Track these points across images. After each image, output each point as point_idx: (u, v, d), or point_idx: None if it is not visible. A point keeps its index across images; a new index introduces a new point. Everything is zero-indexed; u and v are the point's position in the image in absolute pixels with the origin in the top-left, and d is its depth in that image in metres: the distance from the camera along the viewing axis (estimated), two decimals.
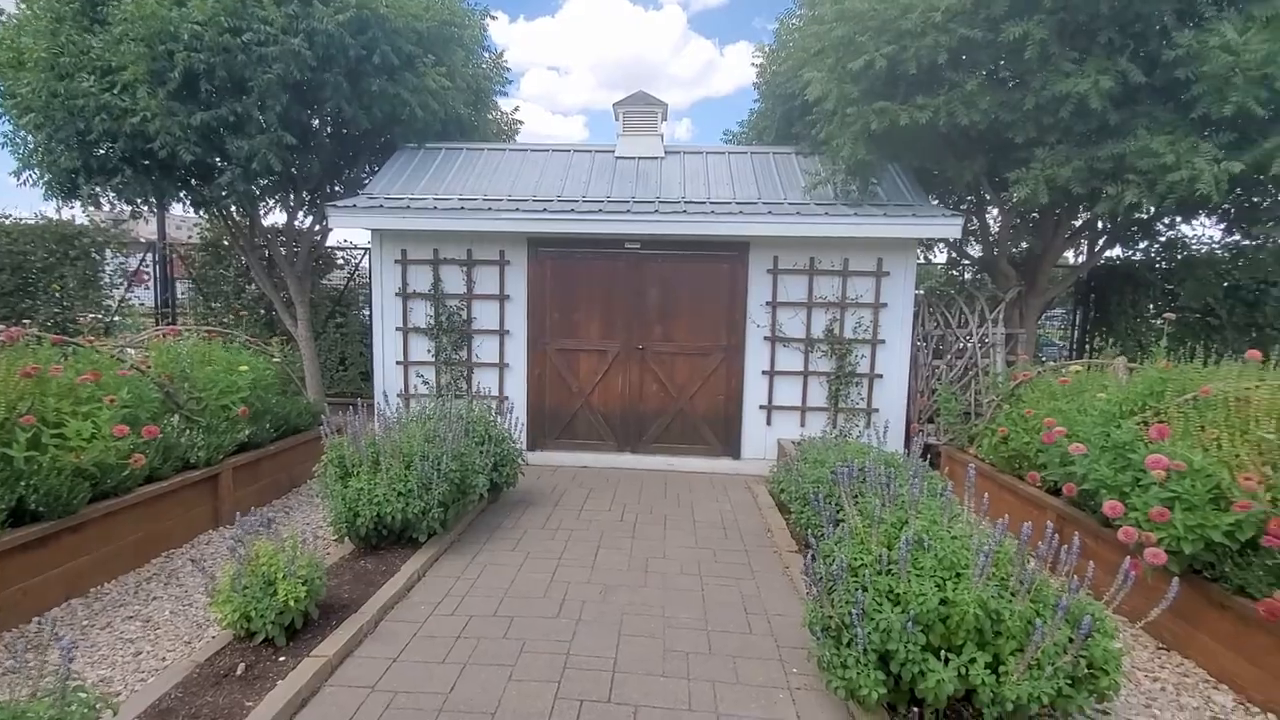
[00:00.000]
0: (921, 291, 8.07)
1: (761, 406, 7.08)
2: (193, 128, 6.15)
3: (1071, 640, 2.43)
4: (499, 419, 5.70)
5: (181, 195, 7.53)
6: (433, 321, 7.10)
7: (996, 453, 5.40)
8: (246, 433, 5.28)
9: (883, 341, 6.90)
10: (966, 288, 8.10)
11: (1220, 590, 3.16)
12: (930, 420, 7.26)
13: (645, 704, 2.83)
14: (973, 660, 2.45)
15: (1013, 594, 2.57)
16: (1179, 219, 7.46)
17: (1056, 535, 2.79)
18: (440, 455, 4.43)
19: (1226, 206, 6.49)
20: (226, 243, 9.36)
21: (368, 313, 8.98)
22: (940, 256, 9.88)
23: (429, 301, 7.09)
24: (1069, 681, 2.45)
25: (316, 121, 7.42)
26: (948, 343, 7.58)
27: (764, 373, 7.02)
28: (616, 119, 8.17)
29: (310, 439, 6.19)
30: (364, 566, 4.16)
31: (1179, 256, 8.15)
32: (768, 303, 6.92)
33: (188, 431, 4.75)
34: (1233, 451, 3.39)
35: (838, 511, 3.40)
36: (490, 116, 9.88)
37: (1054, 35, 5.08)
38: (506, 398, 7.17)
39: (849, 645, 2.61)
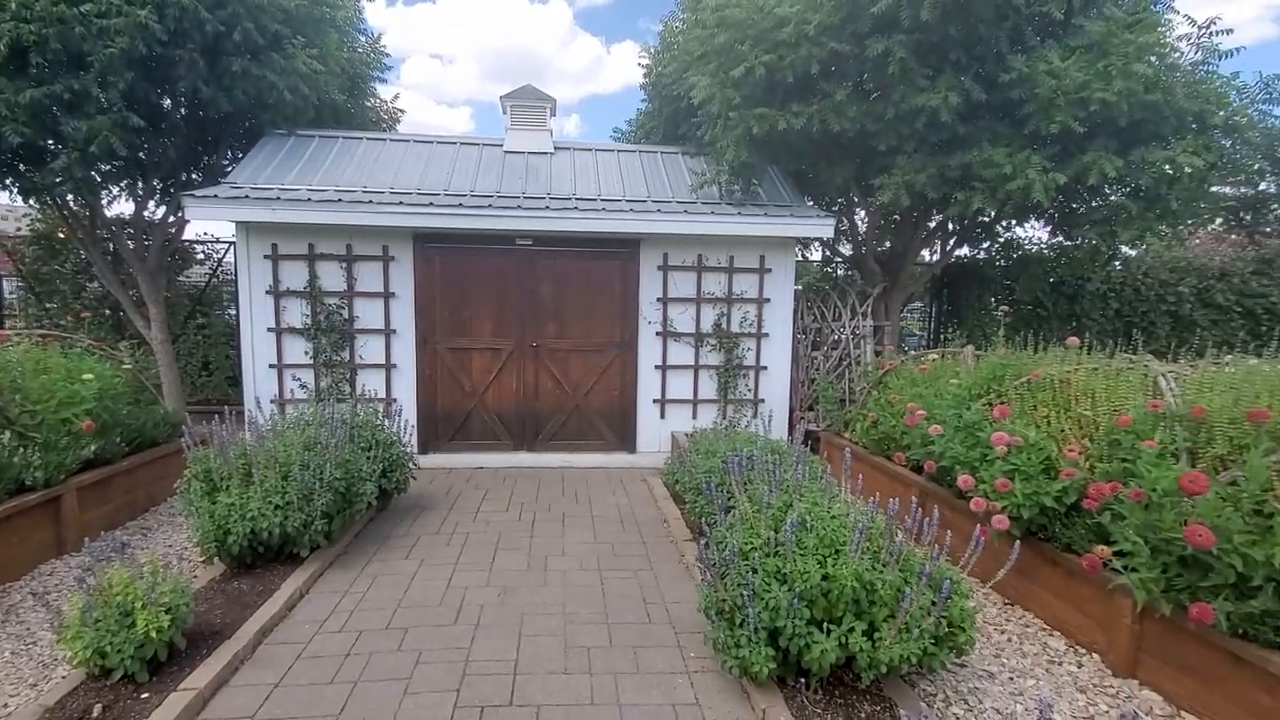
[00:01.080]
0: (800, 287, 8.56)
1: (655, 400, 7.24)
2: (21, 106, 5.39)
3: (934, 604, 2.71)
4: (387, 422, 5.47)
5: (8, 182, 6.58)
6: (310, 321, 6.67)
7: (868, 436, 5.86)
8: (93, 448, 4.73)
9: (767, 335, 7.26)
10: (840, 284, 8.69)
11: (1052, 549, 3.63)
12: (811, 408, 7.75)
13: (548, 703, 2.85)
14: (851, 629, 2.67)
15: (884, 565, 2.83)
16: (1015, 222, 8.40)
17: (920, 509, 3.09)
18: (323, 463, 4.19)
19: (1052, 211, 7.40)
20: (63, 235, 8.28)
21: (234, 312, 8.29)
22: (816, 254, 10.53)
23: (305, 300, 6.65)
24: (933, 640, 2.74)
25: (169, 102, 6.73)
26: (824, 335, 8.11)
27: (657, 367, 7.19)
28: (504, 112, 8.03)
29: (170, 452, 5.64)
30: (238, 588, 3.86)
31: (1015, 256, 9.19)
32: (659, 299, 7.09)
33: (21, 450, 4.18)
34: (1059, 427, 3.90)
35: (729, 500, 3.57)
36: (369, 104, 9.40)
37: (911, 53, 5.55)
38: (395, 400, 6.88)
39: (741, 625, 2.77)
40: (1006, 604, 3.99)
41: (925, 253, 9.10)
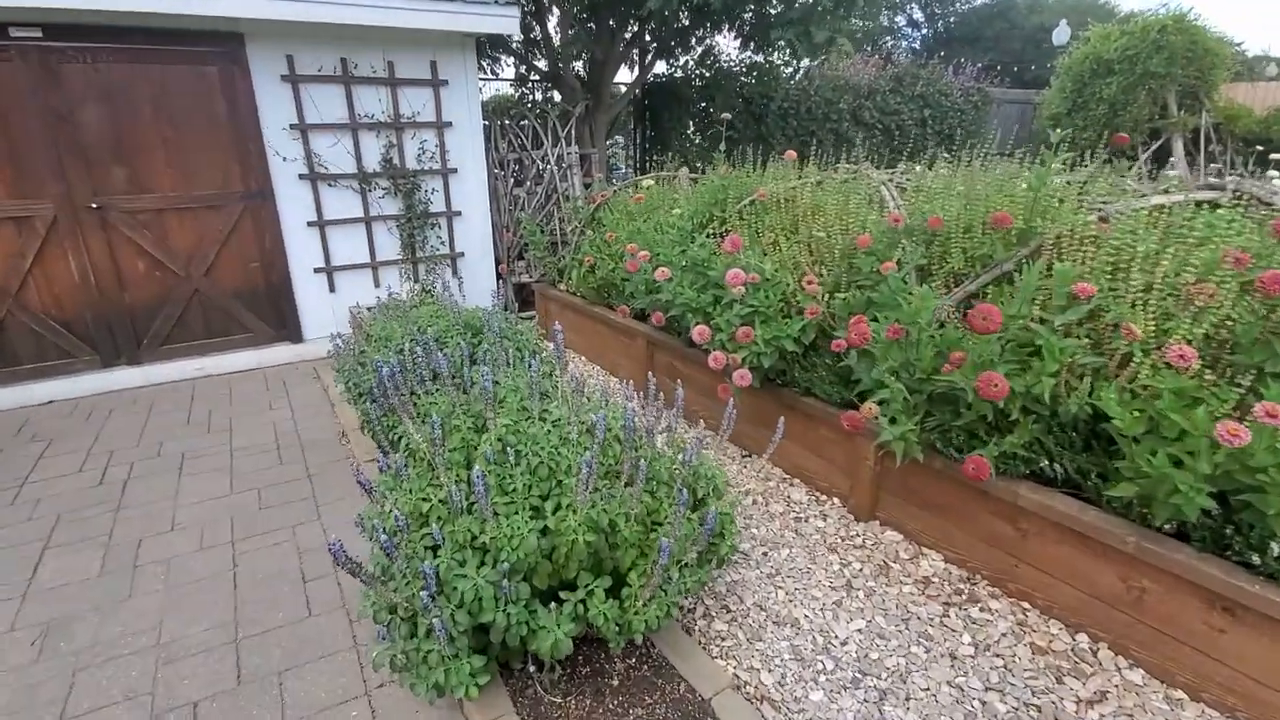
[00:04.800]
0: (492, 112, 7.06)
1: (318, 269, 5.46)
2: None
3: (699, 529, 1.99)
4: None
5: None
6: None
7: (586, 283, 5.04)
8: None
9: (454, 170, 5.77)
10: (538, 105, 7.37)
11: (791, 394, 3.23)
12: (520, 257, 6.67)
13: None
14: (591, 592, 1.85)
15: (628, 483, 2.00)
16: (710, 28, 7.74)
17: (651, 371, 2.30)
18: None
19: (749, 17, 6.83)
20: None
21: None
22: (509, 72, 8.92)
23: None
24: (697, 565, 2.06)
25: None
26: (526, 168, 6.87)
27: (311, 224, 5.32)
28: None
29: None
30: None
31: (709, 73, 8.71)
32: (294, 125, 5.05)
33: None
34: (791, 254, 3.40)
35: (394, 432, 2.39)
36: None
37: None
38: None
39: (429, 635, 1.76)
40: (744, 456, 3.64)
41: (625, 71, 8.17)
